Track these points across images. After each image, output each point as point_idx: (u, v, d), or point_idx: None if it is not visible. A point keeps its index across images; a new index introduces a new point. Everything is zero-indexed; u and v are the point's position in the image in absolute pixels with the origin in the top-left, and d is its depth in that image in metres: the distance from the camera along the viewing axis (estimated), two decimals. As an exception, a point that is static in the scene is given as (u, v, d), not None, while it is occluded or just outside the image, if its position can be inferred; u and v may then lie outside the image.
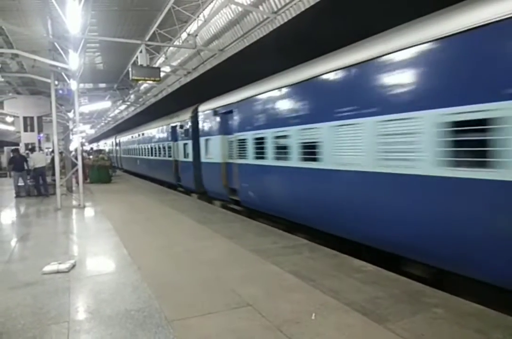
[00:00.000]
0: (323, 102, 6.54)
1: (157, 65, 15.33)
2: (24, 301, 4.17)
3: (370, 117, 5.39)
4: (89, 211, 10.70)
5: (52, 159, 13.59)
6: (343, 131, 5.98)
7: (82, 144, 25.37)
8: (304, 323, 3.47)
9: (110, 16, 11.34)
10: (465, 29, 4.14)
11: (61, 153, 14.52)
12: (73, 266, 5.35)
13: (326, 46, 6.88)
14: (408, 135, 4.83)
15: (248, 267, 5.20)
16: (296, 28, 9.86)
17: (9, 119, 23.76)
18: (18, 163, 13.73)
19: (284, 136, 7.58)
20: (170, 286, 4.54)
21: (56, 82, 11.76)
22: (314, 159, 6.67)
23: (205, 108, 12.26)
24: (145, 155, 21.06)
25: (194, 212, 9.81)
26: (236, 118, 9.85)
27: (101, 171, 18.95)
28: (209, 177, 11.90)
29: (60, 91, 12.79)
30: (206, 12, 10.91)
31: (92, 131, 50.63)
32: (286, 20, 8.89)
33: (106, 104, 23.76)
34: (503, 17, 3.76)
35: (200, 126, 12.57)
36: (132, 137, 25.21)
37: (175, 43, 13.43)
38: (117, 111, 32.67)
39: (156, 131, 18.62)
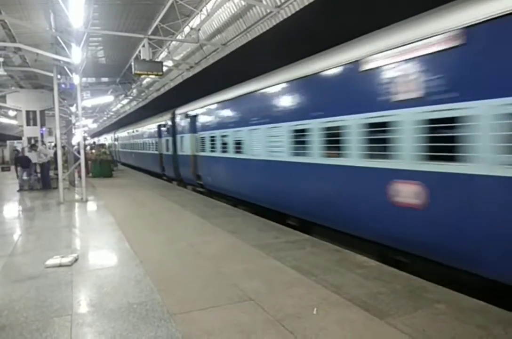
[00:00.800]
0: (244, 112, 9.44)
1: (159, 59, 15.30)
2: (27, 294, 4.20)
3: (264, 125, 8.38)
4: (91, 205, 10.74)
5: (55, 153, 13.63)
6: (253, 133, 8.90)
7: (85, 138, 25.72)
8: (306, 318, 3.49)
9: (113, 10, 11.29)
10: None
11: (63, 147, 14.54)
12: (76, 259, 5.38)
13: (329, 41, 6.85)
14: (279, 137, 7.79)
15: (250, 261, 5.21)
16: (300, 22, 9.79)
17: (11, 113, 23.75)
18: (23, 162, 14.07)
19: (226, 136, 10.44)
20: (173, 280, 4.56)
21: (59, 76, 11.77)
22: (240, 152, 9.52)
23: (180, 112, 14.96)
24: (138, 149, 23.63)
25: (196, 206, 9.83)
26: (199, 121, 12.75)
27: (103, 165, 18.99)
28: (183, 166, 14.66)
29: (63, 85, 12.80)
30: (209, 6, 10.86)
31: (95, 125, 50.65)
32: (289, 14, 8.84)
33: (108, 98, 23.73)
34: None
35: (176, 125, 15.36)
36: (128, 133, 27.70)
37: (177, 37, 13.38)
38: (119, 106, 32.65)
39: (147, 128, 21.07)
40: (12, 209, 10.58)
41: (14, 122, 25.04)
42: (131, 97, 26.22)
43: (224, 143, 10.55)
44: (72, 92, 13.41)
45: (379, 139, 5.32)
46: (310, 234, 6.91)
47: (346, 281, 4.38)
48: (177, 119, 15.19)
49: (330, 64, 6.37)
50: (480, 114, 4.03)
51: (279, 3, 8.96)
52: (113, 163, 20.76)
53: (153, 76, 12.62)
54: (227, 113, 10.55)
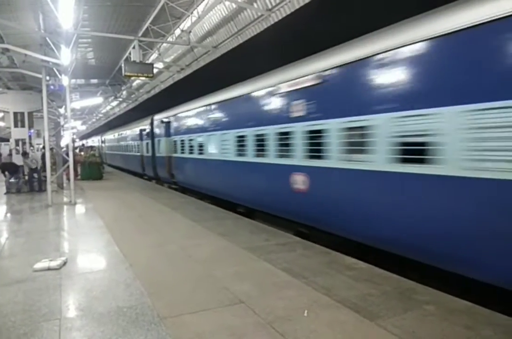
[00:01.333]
0: (205, 120, 11.59)
1: (150, 61, 15.28)
2: (15, 298, 4.14)
3: (219, 131, 10.41)
4: (80, 208, 10.63)
5: (43, 155, 13.48)
6: (211, 138, 10.99)
7: (73, 140, 25.77)
8: (296, 320, 3.49)
9: (103, 11, 11.25)
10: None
11: (51, 149, 14.38)
12: (64, 263, 5.32)
13: (321, 45, 6.89)
14: (228, 141, 9.85)
15: (240, 264, 5.21)
16: (291, 26, 9.84)
17: (-2, 114, 23.38)
18: (10, 169, 13.95)
19: (192, 139, 12.62)
20: (163, 284, 4.53)
21: (48, 78, 11.65)
22: (202, 153, 11.68)
23: (157, 118, 17.03)
24: (122, 151, 25.47)
25: (187, 209, 9.79)
26: (172, 127, 14.92)
27: (92, 168, 18.80)
28: (160, 166, 16.59)
29: (52, 87, 12.66)
30: (200, 8, 10.88)
31: (84, 127, 50.20)
32: (280, 17, 8.88)
33: (97, 100, 23.58)
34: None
35: (154, 130, 17.39)
36: (113, 136, 29.61)
37: (168, 39, 13.36)
38: (108, 107, 32.42)
39: (130, 132, 22.97)
40: (-1, 212, 10.42)
41: (1, 123, 24.65)
42: (120, 99, 26.06)
43: (191, 146, 12.67)
44: (61, 94, 13.26)
45: (284, 143, 7.45)
46: (253, 218, 8.75)
47: (336, 283, 4.40)
48: (155, 125, 17.29)
49: (257, 87, 8.49)
50: (331, 128, 6.13)
51: (270, 7, 9.00)
52: (101, 166, 20.54)
53: (143, 78, 12.59)
54: (193, 120, 12.75)
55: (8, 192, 13.59)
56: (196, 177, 12.62)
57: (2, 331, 3.36)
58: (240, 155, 9.22)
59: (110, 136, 31.41)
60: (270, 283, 4.46)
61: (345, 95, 5.89)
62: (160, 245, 6.29)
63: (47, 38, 10.85)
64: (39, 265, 5.12)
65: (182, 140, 13.55)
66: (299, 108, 6.95)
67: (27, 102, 16.60)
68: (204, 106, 11.67)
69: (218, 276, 4.73)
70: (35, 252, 5.95)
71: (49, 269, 5.06)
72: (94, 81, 21.79)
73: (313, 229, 6.96)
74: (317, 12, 9.38)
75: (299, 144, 6.98)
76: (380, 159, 5.21)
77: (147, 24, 12.09)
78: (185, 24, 12.16)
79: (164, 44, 14.37)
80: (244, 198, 9.33)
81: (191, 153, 12.70)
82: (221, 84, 10.96)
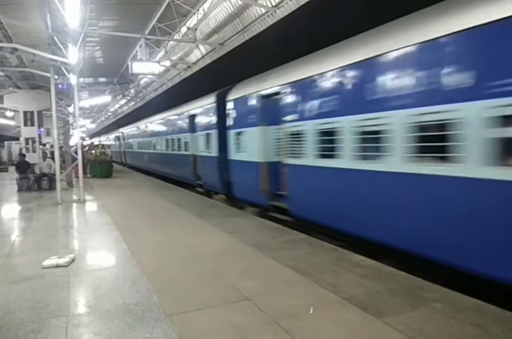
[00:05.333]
0: (131, 135, 26.91)
1: (157, 59, 15.27)
2: (23, 295, 4.18)
3: (135, 139, 25.21)
4: (89, 206, 10.72)
5: (52, 154, 13.59)
6: (134, 142, 25.60)
7: (83, 139, 27.23)
8: (302, 317, 3.48)
9: (109, 10, 11.28)
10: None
11: (61, 147, 14.50)
12: (73, 260, 5.36)
13: (327, 40, 6.83)
14: (132, 144, 26.52)
15: (247, 261, 5.20)
16: (297, 22, 9.77)
17: (9, 113, 23.66)
18: (22, 168, 14.29)
19: (129, 142, 27.78)
20: (169, 280, 4.55)
21: (56, 77, 11.70)
22: (132, 148, 26.74)
23: (120, 130, 31.29)
24: (111, 148, 38.75)
25: (195, 206, 9.82)
26: (125, 137, 29.53)
27: (102, 166, 18.98)
28: (123, 156, 30.54)
29: (60, 86, 12.73)
30: (206, 5, 10.84)
31: (93, 126, 50.59)
32: (286, 14, 8.81)
33: (106, 98, 23.71)
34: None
35: (120, 137, 31.55)
36: (105, 138, 45.23)
37: (174, 37, 13.36)
38: (117, 106, 32.63)
39: (112, 136, 38.11)
40: (10, 209, 10.55)
41: (12, 122, 24.91)
42: (129, 97, 26.19)
43: (129, 145, 26.76)
44: (69, 92, 13.35)
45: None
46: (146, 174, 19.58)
47: (343, 280, 4.37)
48: (120, 135, 31.47)
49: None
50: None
51: (275, 3, 8.94)
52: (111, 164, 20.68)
53: (150, 76, 12.63)
54: (130, 134, 26.90)
55: (19, 190, 13.76)
56: (132, 160, 26.19)
57: (10, 328, 3.41)
58: (136, 148, 23.42)
59: (103, 138, 47.26)
60: (276, 280, 4.45)
61: None
62: (168, 242, 6.32)
63: (54, 37, 10.90)
64: (47, 262, 5.17)
65: (127, 142, 28.13)
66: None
67: (36, 101, 16.73)
68: (131, 128, 26.12)
69: (224, 273, 4.74)
70: (44, 249, 6.01)
71: (57, 266, 5.10)
72: (102, 79, 21.90)
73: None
74: (323, 7, 9.30)
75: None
76: None
77: (154, 22, 12.08)
78: (191, 21, 12.14)
79: (171, 42, 14.38)
80: (135, 164, 24.67)
81: (130, 148, 26.80)
82: (229, 80, 10.94)
